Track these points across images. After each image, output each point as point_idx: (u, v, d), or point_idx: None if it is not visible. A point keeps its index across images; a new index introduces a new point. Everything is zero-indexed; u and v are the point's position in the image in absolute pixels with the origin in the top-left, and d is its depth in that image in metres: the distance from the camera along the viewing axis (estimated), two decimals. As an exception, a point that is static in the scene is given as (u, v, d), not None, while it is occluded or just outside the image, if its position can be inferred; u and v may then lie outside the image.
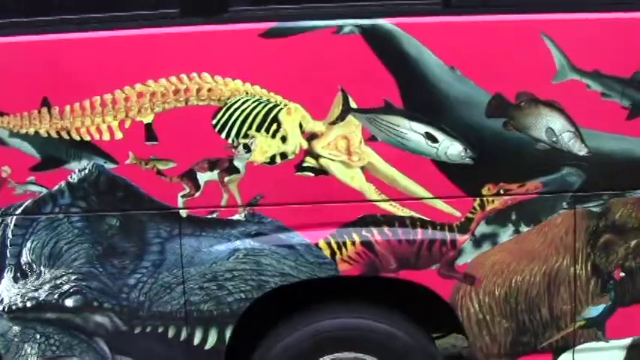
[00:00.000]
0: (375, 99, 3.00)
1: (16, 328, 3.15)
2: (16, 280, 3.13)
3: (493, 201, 3.05)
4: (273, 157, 3.03)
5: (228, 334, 3.11)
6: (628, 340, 3.21)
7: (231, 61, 2.99)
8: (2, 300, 3.14)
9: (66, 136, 3.04)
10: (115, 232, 3.08)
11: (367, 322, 3.14)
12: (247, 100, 3.00)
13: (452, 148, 3.02)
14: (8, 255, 3.11)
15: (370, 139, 3.02)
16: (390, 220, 3.06)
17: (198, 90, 2.99)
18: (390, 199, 3.05)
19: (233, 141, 3.01)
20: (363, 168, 3.04)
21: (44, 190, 3.07)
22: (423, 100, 3.00)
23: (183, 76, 2.98)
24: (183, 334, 3.12)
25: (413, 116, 3.00)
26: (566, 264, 3.09)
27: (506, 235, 3.08)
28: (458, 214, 3.06)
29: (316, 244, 3.07)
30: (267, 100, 3.00)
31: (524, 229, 3.08)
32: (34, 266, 3.12)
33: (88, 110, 3.02)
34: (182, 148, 3.03)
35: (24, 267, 3.12)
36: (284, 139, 3.02)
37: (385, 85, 2.98)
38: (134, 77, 3.00)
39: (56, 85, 3.02)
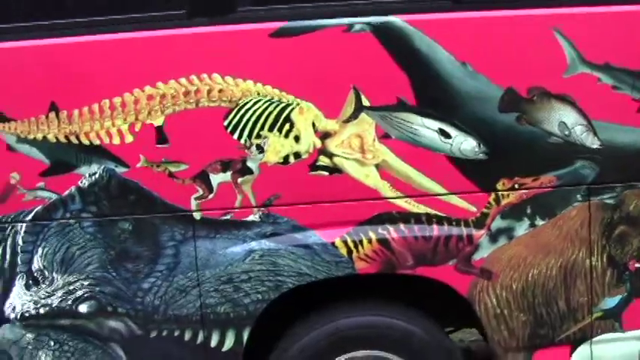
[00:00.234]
0: (387, 96, 2.98)
1: (29, 336, 3.11)
2: (28, 287, 3.09)
3: (508, 195, 3.05)
4: (286, 157, 3.01)
5: (245, 335, 3.09)
6: (644, 331, 3.24)
7: (241, 62, 2.96)
8: (15, 307, 3.10)
9: (75, 141, 3.00)
10: (128, 236, 3.05)
11: (384, 320, 3.13)
12: (259, 101, 2.97)
13: (465, 144, 3.01)
14: (19, 262, 3.08)
15: (384, 137, 3.01)
16: (406, 217, 3.05)
17: (209, 91, 2.96)
18: (405, 196, 3.04)
19: (245, 142, 2.99)
20: (377, 166, 3.02)
21: (54, 196, 3.04)
22: (435, 96, 2.99)
23: (194, 77, 2.95)
24: (200, 337, 3.10)
25: (426, 113, 2.99)
26: (581, 256, 3.10)
27: (521, 229, 3.08)
28: (473, 209, 3.06)
29: (332, 243, 3.05)
30: (279, 99, 2.97)
31: (539, 222, 3.08)
32: (46, 273, 3.08)
33: (97, 114, 2.98)
34: (194, 150, 3.00)
35: (36, 274, 3.08)
36: (297, 138, 3.00)
37: (397, 82, 2.97)
38: (143, 79, 2.96)
39: (64, 89, 2.98)
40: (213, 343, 3.11)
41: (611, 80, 3.01)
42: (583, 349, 3.20)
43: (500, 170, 3.04)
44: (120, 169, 3.01)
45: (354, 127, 3.00)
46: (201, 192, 3.02)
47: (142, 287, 3.07)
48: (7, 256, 3.07)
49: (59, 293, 3.08)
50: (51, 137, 3.00)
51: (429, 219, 3.06)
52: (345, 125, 3.00)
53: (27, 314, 3.09)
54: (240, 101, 2.97)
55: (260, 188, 3.03)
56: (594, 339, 3.18)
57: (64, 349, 3.12)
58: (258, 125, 2.98)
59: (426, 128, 2.99)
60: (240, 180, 3.02)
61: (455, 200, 3.05)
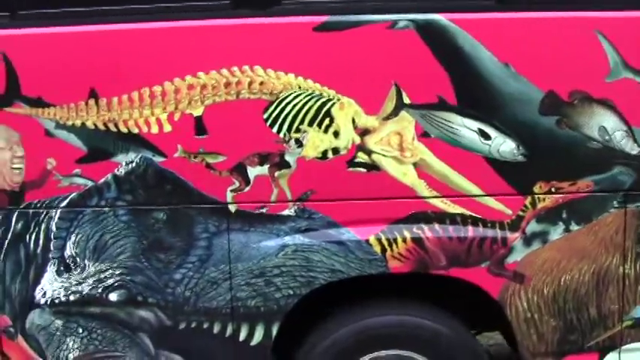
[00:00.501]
0: (428, 95, 2.97)
1: (58, 322, 3.11)
2: (59, 273, 3.09)
3: (544, 199, 3.04)
4: (324, 152, 3.00)
5: (275, 330, 3.08)
6: (674, 341, 3.22)
7: (283, 55, 2.96)
8: (45, 293, 3.10)
9: (113, 129, 3.00)
10: (162, 226, 3.05)
11: (413, 320, 3.12)
12: (300, 95, 2.96)
13: (504, 145, 3.00)
14: (52, 248, 3.08)
15: (423, 135, 3.00)
16: (441, 217, 3.04)
17: (250, 83, 2.95)
18: (441, 195, 3.03)
19: (284, 135, 2.98)
20: (415, 164, 3.01)
21: (90, 183, 3.03)
22: (476, 96, 2.98)
23: (235, 68, 2.95)
24: (229, 330, 3.09)
25: (466, 112, 2.98)
26: (615, 263, 3.08)
27: (556, 233, 3.07)
28: (509, 211, 3.04)
29: (367, 241, 3.04)
30: (320, 94, 2.97)
31: (574, 227, 3.06)
32: (78, 260, 3.08)
33: (136, 102, 2.98)
34: (232, 142, 3.00)
35: (68, 260, 3.08)
36: (336, 134, 2.99)
37: (439, 81, 2.96)
38: (184, 69, 2.96)
39: (104, 77, 2.98)
40: (242, 336, 3.10)
41: None
42: (611, 357, 3.18)
43: (538, 173, 3.03)
44: (157, 159, 3.01)
45: (393, 125, 2.99)
46: (237, 184, 3.02)
47: (174, 278, 3.06)
48: (40, 242, 3.07)
49: (90, 281, 3.08)
50: (89, 124, 3.00)
51: (464, 220, 3.05)
52: (384, 122, 2.99)
53: (57, 300, 3.09)
54: (280, 94, 2.96)
55: (296, 183, 3.02)
56: (623, 347, 3.17)
57: (92, 337, 3.12)
58: (298, 119, 2.98)
59: (466, 128, 2.99)
60: (277, 174, 3.01)
61: (491, 202, 3.04)
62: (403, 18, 2.94)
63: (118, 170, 3.02)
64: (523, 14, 2.97)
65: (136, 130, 2.99)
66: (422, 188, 3.03)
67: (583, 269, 3.09)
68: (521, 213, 3.05)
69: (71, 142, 3.02)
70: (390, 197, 3.03)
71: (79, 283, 3.08)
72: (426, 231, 3.05)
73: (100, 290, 3.07)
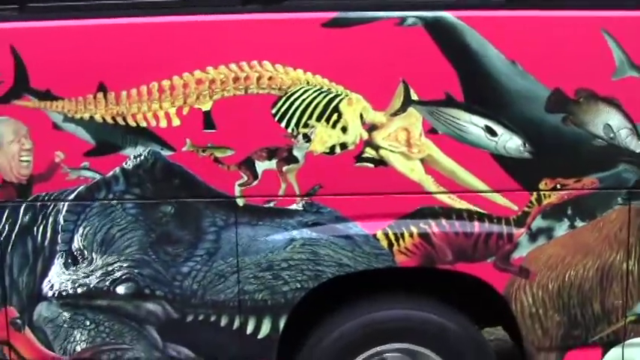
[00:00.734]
0: (436, 91, 3.00)
1: (65, 314, 3.12)
2: (67, 266, 3.10)
3: (550, 195, 3.06)
4: (332, 148, 3.02)
5: (282, 323, 3.10)
6: (677, 336, 3.26)
7: (292, 50, 2.97)
8: (53, 286, 3.11)
9: (121, 122, 3.01)
10: (170, 219, 3.06)
11: (420, 314, 3.14)
12: (308, 90, 2.98)
13: (511, 142, 3.02)
14: (59, 241, 3.09)
15: (430, 132, 3.02)
16: (448, 213, 3.07)
17: (259, 78, 2.97)
18: (448, 191, 3.05)
19: (293, 130, 3.00)
20: (422, 160, 3.03)
21: (98, 176, 3.05)
22: (483, 93, 3.01)
23: (244, 63, 2.96)
24: (236, 323, 3.11)
25: (473, 109, 3.00)
26: (619, 259, 3.11)
27: (561, 229, 3.09)
28: (515, 207, 3.07)
29: (374, 235, 3.07)
30: (329, 90, 2.98)
31: (579, 224, 3.09)
32: (86, 252, 3.09)
33: (145, 96, 2.99)
34: (240, 136, 3.01)
35: (75, 253, 3.09)
36: (344, 129, 3.01)
37: (446, 77, 2.98)
38: (193, 64, 2.97)
39: (113, 70, 2.99)
40: (249, 329, 3.12)
41: None
42: (615, 352, 3.21)
43: (544, 170, 3.05)
44: (165, 152, 3.02)
45: (401, 121, 3.01)
46: (245, 178, 3.03)
47: (181, 271, 3.08)
48: (48, 235, 3.08)
49: (98, 274, 3.09)
50: (98, 117, 3.01)
51: (471, 215, 3.07)
52: (392, 118, 3.01)
53: (64, 293, 3.10)
54: (289, 90, 2.98)
55: (304, 177, 3.04)
56: (626, 342, 3.20)
57: (100, 330, 3.13)
58: (306, 114, 2.99)
59: (473, 125, 3.01)
60: (285, 168, 3.03)
61: (497, 198, 3.06)
62: (411, 15, 2.96)
63: (126, 163, 3.03)
64: (531, 12, 2.99)
65: (144, 124, 3.01)
66: (429, 184, 3.05)
67: (587, 265, 3.12)
68: (526, 209, 3.07)
69: (79, 136, 3.03)
70: (398, 192, 3.05)
71: (87, 276, 3.09)
72: (432, 226, 3.07)
73: (107, 283, 3.08)
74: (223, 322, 3.11)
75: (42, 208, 3.07)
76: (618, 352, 3.21)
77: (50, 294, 3.11)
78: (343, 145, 3.02)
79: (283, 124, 3.00)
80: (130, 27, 2.98)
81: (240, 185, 3.04)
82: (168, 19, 2.98)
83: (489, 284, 3.12)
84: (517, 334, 3.28)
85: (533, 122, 3.01)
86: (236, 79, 2.97)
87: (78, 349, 3.14)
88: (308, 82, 2.98)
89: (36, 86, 3.00)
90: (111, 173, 3.04)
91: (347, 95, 2.99)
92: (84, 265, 3.09)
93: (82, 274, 3.10)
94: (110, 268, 3.08)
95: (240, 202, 3.05)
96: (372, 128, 3.01)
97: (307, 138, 3.00)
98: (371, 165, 3.03)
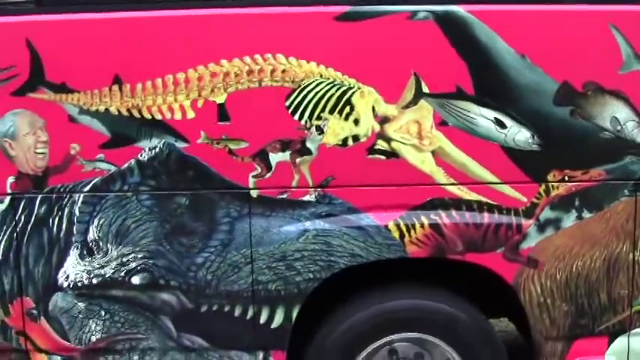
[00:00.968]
0: (446, 84, 3.04)
1: (81, 305, 3.16)
2: (82, 257, 3.13)
3: (558, 187, 3.12)
4: (345, 140, 3.06)
5: (295, 313, 3.14)
6: (682, 326, 3.31)
7: (305, 43, 3.01)
8: (68, 277, 3.14)
9: (137, 115, 3.05)
10: (184, 210, 3.10)
11: (431, 304, 3.18)
12: (321, 83, 3.02)
13: (520, 135, 3.07)
14: (75, 232, 3.12)
15: (441, 124, 3.07)
16: (458, 204, 3.11)
17: (272, 71, 3.01)
18: (458, 183, 3.10)
19: (306, 122, 3.04)
20: (433, 152, 3.08)
21: (113, 168, 3.08)
22: (493, 86, 3.05)
23: (258, 56, 3.01)
24: (250, 313, 3.15)
25: (483, 102, 3.05)
26: (625, 250, 3.17)
27: (569, 220, 3.14)
28: (524, 199, 3.12)
29: (386, 226, 3.11)
30: (341, 82, 3.03)
31: (586, 215, 3.14)
32: (101, 244, 3.13)
33: (160, 89, 3.03)
34: (254, 129, 3.05)
35: (90, 244, 3.13)
36: (356, 121, 3.05)
37: (457, 71, 3.03)
38: (208, 57, 3.01)
39: (128, 63, 3.02)
40: (263, 319, 3.16)
41: None
42: (620, 341, 3.26)
43: (552, 162, 3.11)
44: (180, 144, 3.06)
45: (412, 113, 3.06)
46: (259, 170, 3.07)
47: (196, 262, 3.11)
48: (64, 226, 3.12)
49: (113, 264, 3.13)
50: (113, 110, 3.05)
51: (480, 207, 3.12)
52: (404, 111, 3.06)
53: (80, 284, 3.14)
54: (302, 82, 3.02)
55: (317, 169, 3.08)
56: (632, 331, 3.25)
57: (115, 320, 3.17)
58: (319, 107, 3.04)
59: (483, 117, 3.06)
60: (298, 160, 3.07)
61: (506, 189, 3.11)
62: (423, 9, 3.01)
63: (141, 155, 3.07)
64: (539, 6, 3.04)
65: (159, 117, 3.04)
66: (439, 175, 3.10)
67: (594, 256, 3.18)
68: (535, 200, 3.12)
69: (95, 128, 3.06)
70: (409, 184, 3.09)
71: (102, 267, 3.13)
72: (443, 217, 3.12)
73: (122, 274, 3.12)
74: (237, 312, 3.15)
75: (57, 200, 3.11)
76: (624, 342, 3.26)
77: (66, 284, 3.14)
78: (355, 138, 3.07)
79: (296, 117, 3.04)
80: (144, 20, 3.02)
81: (254, 177, 3.08)
82: (182, 13, 3.01)
83: (498, 274, 3.17)
84: (523, 325, 3.34)
85: (542, 115, 3.06)
86: (250, 72, 3.01)
87: (93, 338, 3.18)
88: (321, 75, 3.02)
89: (51, 79, 3.03)
90: (126, 165, 3.08)
91: (359, 88, 3.03)
92: (99, 256, 3.13)
93: (98, 265, 3.13)
94: (125, 259, 3.12)
95: (254, 193, 3.09)
96: (383, 121, 3.06)
97: (320, 130, 3.05)
98: (383, 157, 3.08)
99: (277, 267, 3.11)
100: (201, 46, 3.01)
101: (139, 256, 3.11)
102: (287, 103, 3.03)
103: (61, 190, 3.10)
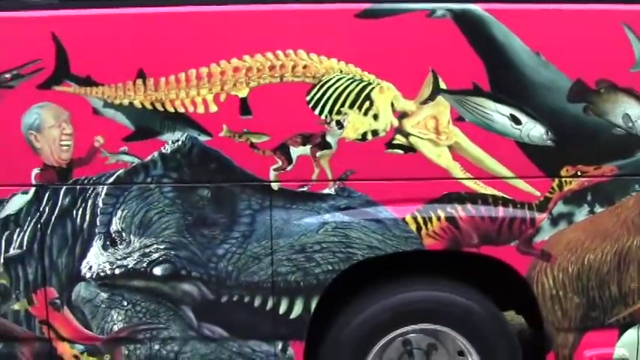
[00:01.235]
0: (463, 81, 3.12)
1: (103, 295, 3.22)
2: (105, 248, 3.19)
3: (570, 182, 3.20)
4: (364, 134, 3.13)
5: (314, 304, 3.21)
6: (691, 318, 3.38)
7: (326, 40, 3.08)
8: (91, 267, 3.20)
9: (160, 108, 3.11)
10: (206, 202, 3.16)
11: (447, 296, 3.25)
12: (341, 78, 3.09)
13: (534, 130, 3.15)
14: (98, 223, 3.18)
15: (458, 120, 3.14)
16: (474, 198, 3.19)
17: (294, 67, 3.08)
18: (474, 177, 3.17)
19: (326, 117, 3.11)
20: (450, 147, 3.15)
21: (136, 160, 3.14)
22: (509, 83, 3.13)
23: (280, 52, 3.07)
24: (270, 304, 3.21)
25: (499, 98, 3.13)
26: (636, 244, 3.24)
27: (581, 214, 3.22)
28: (537, 193, 3.20)
29: (403, 219, 3.18)
30: (361, 78, 3.10)
31: (598, 209, 3.22)
32: (124, 235, 3.18)
33: (183, 83, 3.09)
34: (276, 123, 3.12)
35: (114, 235, 3.19)
36: (376, 116, 3.12)
37: (474, 68, 3.11)
38: (231, 52, 3.08)
39: (152, 58, 3.09)
40: (282, 310, 3.23)
41: None
42: (630, 333, 3.34)
43: (565, 157, 3.19)
44: (202, 138, 3.12)
45: (430, 109, 3.13)
46: (280, 163, 3.14)
47: (217, 253, 3.18)
48: (87, 217, 3.17)
49: (135, 255, 3.19)
50: (137, 103, 3.11)
51: (495, 200, 3.19)
52: (421, 106, 3.13)
53: (102, 274, 3.19)
54: (323, 78, 3.09)
55: (337, 163, 3.15)
56: (642, 324, 3.35)
57: (137, 310, 3.23)
58: (339, 102, 3.11)
59: (499, 113, 3.13)
60: (318, 154, 3.14)
61: (520, 184, 3.19)
62: (441, 7, 3.08)
63: (164, 148, 3.13)
64: (554, 6, 3.11)
65: (182, 110, 3.11)
66: (456, 170, 3.17)
67: (606, 249, 3.25)
68: (548, 195, 3.20)
69: (119, 121, 3.12)
70: (426, 178, 3.17)
71: (125, 258, 3.19)
72: (459, 210, 3.19)
73: (144, 264, 3.18)
74: (257, 302, 3.22)
75: (81, 192, 3.16)
76: (634, 334, 3.34)
77: (89, 275, 3.20)
78: (374, 132, 3.14)
79: (317, 111, 3.11)
80: (169, 16, 3.08)
81: (275, 170, 3.15)
82: (206, 9, 3.07)
83: (512, 267, 3.24)
84: (534, 318, 3.41)
85: (556, 111, 3.14)
86: (272, 67, 3.08)
87: (115, 328, 3.23)
88: (341, 71, 3.09)
89: (76, 72, 3.09)
90: (149, 158, 3.14)
91: (378, 84, 3.10)
92: (122, 246, 3.19)
93: (120, 256, 3.19)
94: (147, 250, 3.18)
95: (275, 186, 3.16)
96: (402, 116, 3.13)
97: (340, 125, 3.12)
98: (401, 151, 3.15)
99: (297, 258, 3.18)
100: (224, 42, 3.08)
101: (161, 247, 3.17)
102: (308, 98, 3.10)
103: (85, 181, 3.16)
